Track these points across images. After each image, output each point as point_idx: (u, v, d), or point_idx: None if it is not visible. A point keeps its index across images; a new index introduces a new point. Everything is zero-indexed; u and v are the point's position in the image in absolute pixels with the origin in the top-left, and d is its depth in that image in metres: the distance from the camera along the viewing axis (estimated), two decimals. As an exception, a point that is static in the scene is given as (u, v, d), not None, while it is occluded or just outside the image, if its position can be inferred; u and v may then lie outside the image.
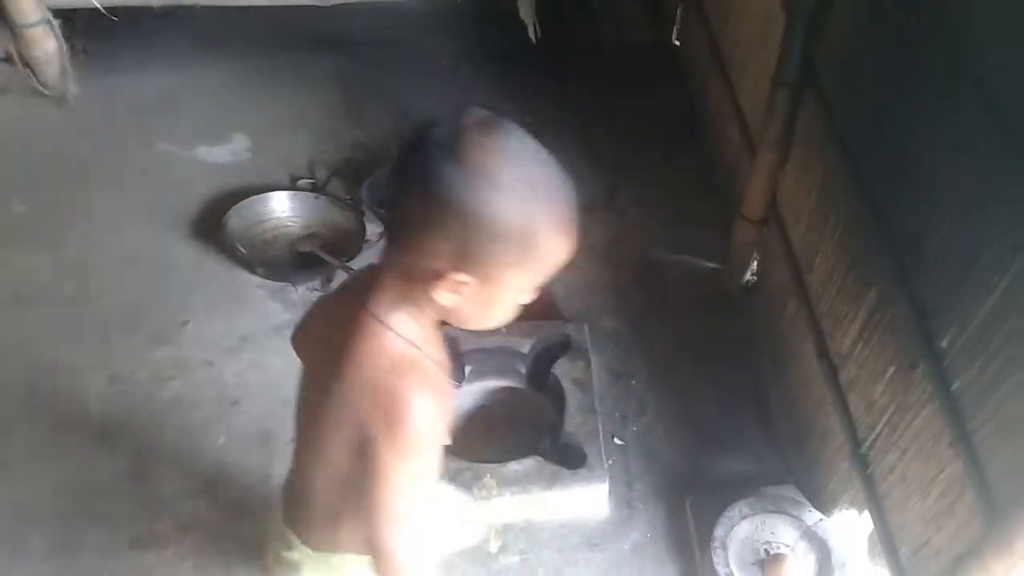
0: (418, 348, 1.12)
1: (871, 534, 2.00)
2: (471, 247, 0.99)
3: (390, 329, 1.10)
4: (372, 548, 1.15)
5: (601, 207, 3.03)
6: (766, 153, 2.32)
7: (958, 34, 1.55)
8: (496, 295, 1.06)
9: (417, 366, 1.11)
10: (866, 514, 1.95)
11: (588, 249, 2.94)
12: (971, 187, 1.50)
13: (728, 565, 2.01)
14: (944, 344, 1.54)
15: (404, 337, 1.10)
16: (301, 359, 1.35)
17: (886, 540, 1.78)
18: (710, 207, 2.97)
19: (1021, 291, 1.34)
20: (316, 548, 1.38)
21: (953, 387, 1.51)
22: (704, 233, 2.90)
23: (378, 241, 2.94)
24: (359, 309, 1.11)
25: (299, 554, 1.39)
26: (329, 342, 1.15)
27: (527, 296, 1.11)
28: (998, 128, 1.40)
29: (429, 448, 1.13)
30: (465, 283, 1.02)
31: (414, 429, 1.07)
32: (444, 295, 1.04)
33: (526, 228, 0.99)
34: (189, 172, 3.16)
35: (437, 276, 1.02)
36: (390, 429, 1.07)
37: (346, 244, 2.84)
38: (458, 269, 1.01)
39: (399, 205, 1.04)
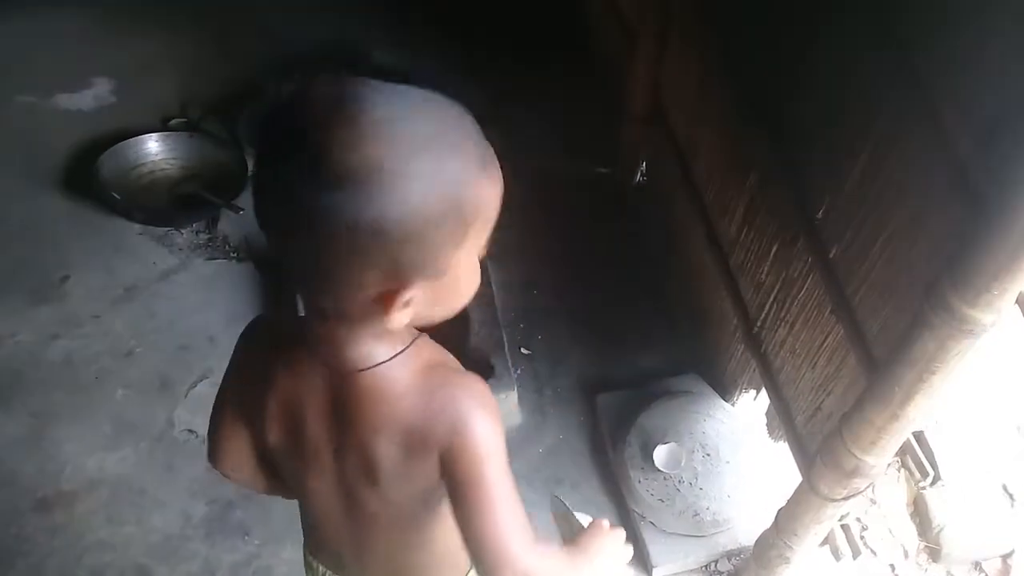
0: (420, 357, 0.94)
1: (768, 410, 2.09)
2: (402, 258, 0.79)
3: (386, 366, 0.90)
4: None
5: (487, 121, 2.98)
6: (645, 44, 2.32)
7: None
8: (453, 278, 0.86)
9: (437, 368, 0.94)
10: (763, 393, 2.03)
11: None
12: (835, 64, 1.53)
13: (640, 458, 2.07)
14: (820, 215, 1.60)
15: (404, 360, 0.92)
16: (281, 464, 1.09)
17: (783, 412, 1.86)
18: (597, 112, 2.96)
19: (882, 158, 1.39)
20: None
21: (831, 255, 1.56)
22: (593, 138, 2.90)
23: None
24: (334, 377, 0.92)
25: None
26: (316, 435, 0.97)
27: (483, 251, 0.90)
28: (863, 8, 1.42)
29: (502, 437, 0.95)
30: (414, 294, 0.83)
31: (487, 419, 0.91)
32: (397, 317, 0.83)
33: (449, 199, 0.79)
34: (52, 122, 2.97)
35: (379, 304, 0.82)
36: (466, 435, 0.90)
37: (229, 182, 2.73)
38: (399, 287, 0.81)
39: (287, 249, 0.82)
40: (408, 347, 0.91)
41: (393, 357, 0.90)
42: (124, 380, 2.33)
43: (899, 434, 1.34)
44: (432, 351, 0.96)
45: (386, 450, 0.92)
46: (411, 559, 1.13)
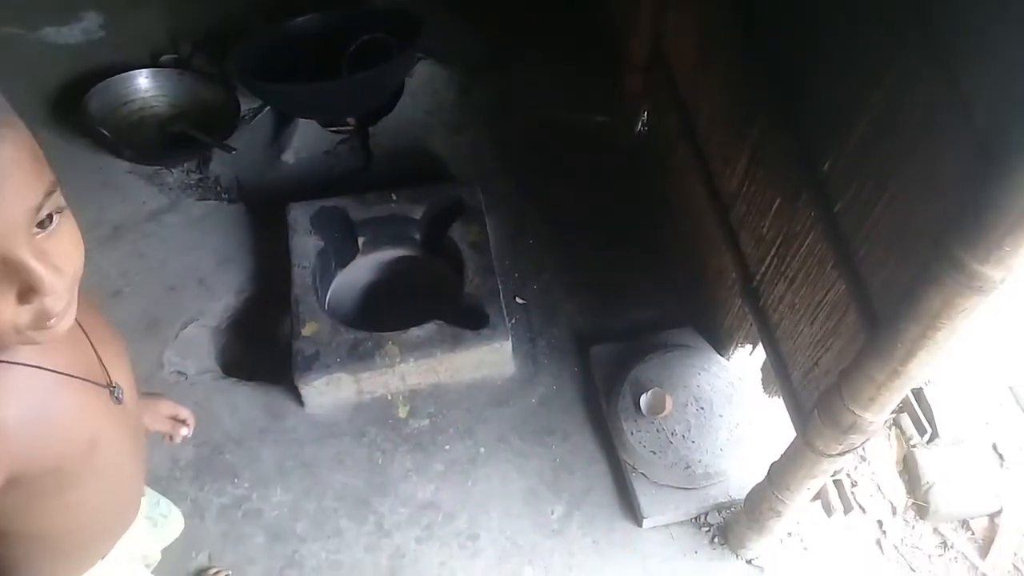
0: None
1: (763, 365, 2.08)
2: None
3: None
4: None
5: (486, 68, 2.93)
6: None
7: None
8: None
9: None
10: (759, 347, 2.02)
11: (476, 110, 2.86)
12: (846, 14, 1.48)
13: (633, 410, 2.06)
14: (825, 169, 1.56)
15: None
16: None
17: (779, 367, 1.84)
18: (597, 61, 2.90)
19: (892, 112, 1.35)
20: None
21: (835, 209, 1.53)
22: (592, 87, 2.84)
23: (253, 117, 2.79)
24: None
25: None
26: None
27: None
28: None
29: None
30: None
31: None
32: None
33: None
34: (38, 55, 2.90)
35: None
36: None
37: (219, 121, 2.68)
38: None
39: None
40: None
41: None
42: (112, 320, 2.27)
43: (899, 391, 1.32)
44: None
45: None
46: None
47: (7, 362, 0.82)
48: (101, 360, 0.99)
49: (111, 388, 0.99)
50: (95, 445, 0.95)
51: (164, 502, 1.53)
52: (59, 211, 0.73)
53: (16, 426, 0.83)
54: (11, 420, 0.82)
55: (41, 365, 0.86)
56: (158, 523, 1.46)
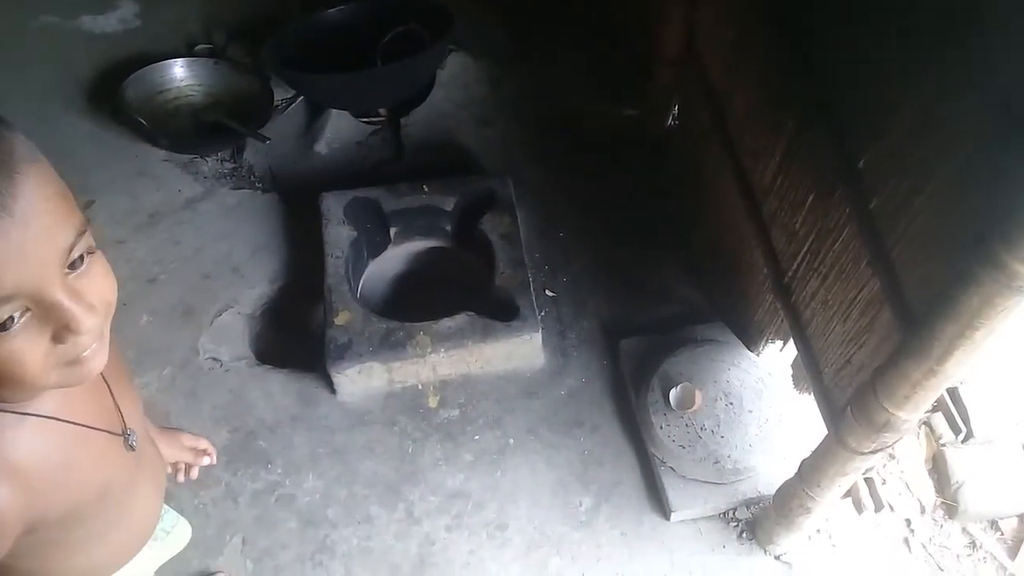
0: None
1: (794, 361, 2.07)
2: None
3: None
4: None
5: (516, 60, 2.94)
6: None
7: None
8: None
9: None
10: (790, 343, 2.02)
11: (506, 103, 2.87)
12: (885, 11, 1.48)
13: (662, 404, 2.07)
14: (861, 165, 1.56)
15: None
16: None
17: (810, 364, 1.84)
18: (628, 54, 2.90)
19: (934, 107, 1.34)
20: None
21: (871, 206, 1.53)
22: (623, 81, 2.84)
23: (286, 107, 2.81)
24: None
25: None
26: None
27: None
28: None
29: None
30: None
31: None
32: None
33: None
34: (75, 43, 2.94)
35: None
36: None
37: (253, 111, 2.70)
38: None
39: None
40: None
41: None
42: (148, 307, 2.34)
43: (935, 389, 1.32)
44: None
45: None
46: None
47: (30, 414, 0.84)
48: (118, 407, 1.01)
49: (126, 436, 1.01)
50: (107, 489, 0.98)
51: (171, 516, 1.53)
52: (90, 252, 0.75)
53: (37, 478, 0.84)
54: (33, 472, 0.84)
55: (62, 417, 0.88)
56: (158, 537, 1.45)
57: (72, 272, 0.73)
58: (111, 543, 1.09)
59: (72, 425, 0.90)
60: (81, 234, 0.73)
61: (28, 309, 0.70)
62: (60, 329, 0.73)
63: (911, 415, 1.39)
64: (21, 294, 0.68)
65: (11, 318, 0.69)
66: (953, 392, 1.45)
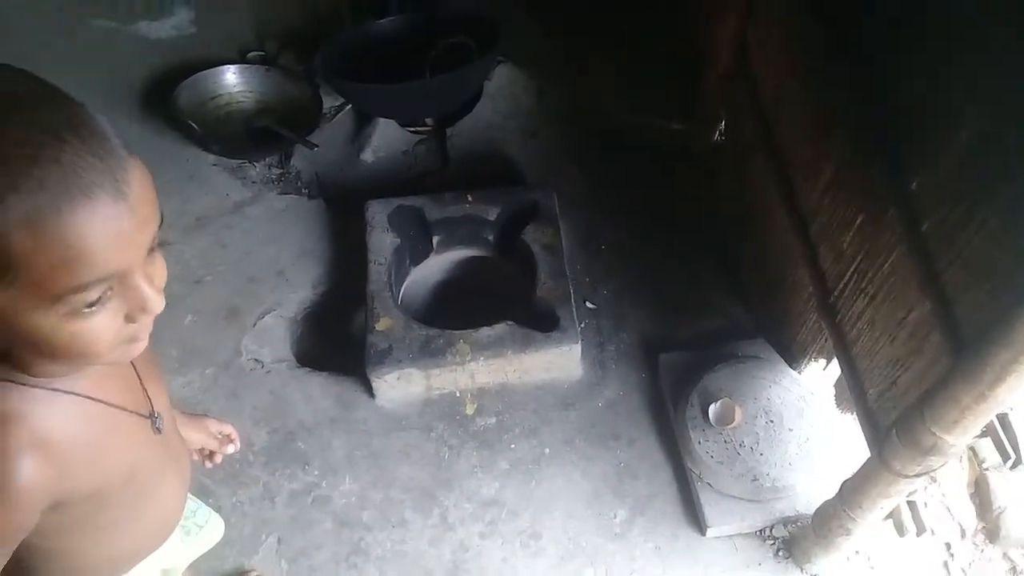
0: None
1: (838, 381, 2.06)
2: None
3: None
4: None
5: (562, 72, 2.95)
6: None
7: None
8: (23, 331, 0.74)
9: None
10: (833, 363, 2.00)
11: (551, 115, 2.88)
12: (942, 33, 1.47)
13: (701, 419, 2.07)
14: (914, 187, 1.54)
15: None
16: None
17: (855, 385, 1.82)
18: (673, 67, 2.90)
19: (992, 128, 1.33)
20: None
21: (922, 228, 1.51)
22: (670, 94, 2.84)
23: (335, 115, 2.85)
24: None
25: None
26: None
27: (80, 309, 0.74)
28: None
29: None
30: None
31: None
32: None
33: None
34: (131, 48, 3.01)
35: None
36: None
37: (303, 118, 2.75)
38: None
39: None
40: None
41: None
42: (193, 307, 2.38)
43: (984, 415, 1.31)
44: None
45: None
46: None
47: (62, 391, 0.87)
48: (146, 391, 1.04)
49: (153, 419, 1.04)
50: (133, 472, 1.00)
51: (204, 511, 1.53)
52: (159, 243, 0.81)
53: (65, 454, 0.87)
54: (61, 447, 0.87)
55: (94, 396, 0.92)
56: (191, 532, 1.45)
57: (148, 258, 0.78)
58: (136, 531, 1.11)
59: (102, 405, 0.93)
60: (160, 225, 0.78)
61: (110, 288, 0.75)
62: (135, 309, 0.79)
63: (959, 439, 1.37)
64: (117, 275, 0.74)
65: (100, 296, 0.74)
66: (1003, 418, 1.43)
